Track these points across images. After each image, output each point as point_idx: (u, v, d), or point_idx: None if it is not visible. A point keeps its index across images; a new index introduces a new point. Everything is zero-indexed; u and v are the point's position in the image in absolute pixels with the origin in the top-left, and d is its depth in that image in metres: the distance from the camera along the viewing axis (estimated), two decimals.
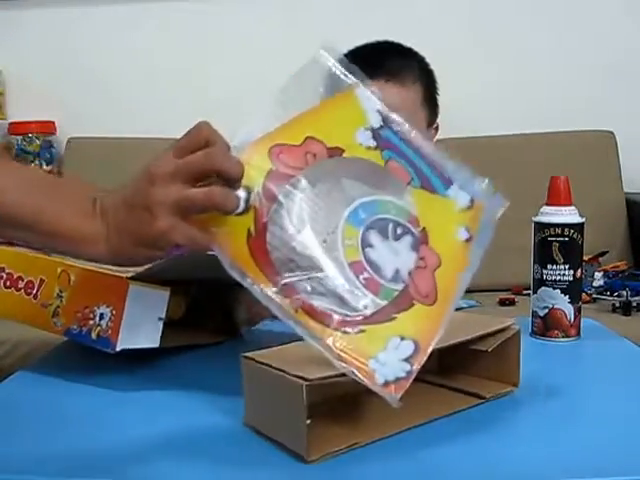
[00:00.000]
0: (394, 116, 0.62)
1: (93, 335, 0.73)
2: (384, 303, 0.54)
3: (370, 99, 0.61)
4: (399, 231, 0.58)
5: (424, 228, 0.58)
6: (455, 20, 2.44)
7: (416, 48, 2.48)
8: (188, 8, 2.44)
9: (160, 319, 0.73)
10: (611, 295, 1.92)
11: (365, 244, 0.56)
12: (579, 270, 0.88)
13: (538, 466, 0.54)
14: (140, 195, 0.54)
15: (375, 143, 0.60)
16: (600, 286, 1.96)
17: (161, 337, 0.74)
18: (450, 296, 0.56)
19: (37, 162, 2.34)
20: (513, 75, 2.41)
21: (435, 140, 1.18)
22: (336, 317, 0.53)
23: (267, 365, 0.58)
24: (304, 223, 0.55)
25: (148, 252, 0.56)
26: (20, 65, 2.47)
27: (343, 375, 0.54)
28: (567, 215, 0.88)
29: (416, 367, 0.52)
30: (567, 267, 0.88)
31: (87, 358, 0.82)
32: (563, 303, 0.88)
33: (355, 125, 0.60)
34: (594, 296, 1.94)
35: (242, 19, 2.44)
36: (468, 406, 0.64)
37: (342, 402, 0.61)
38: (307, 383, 0.53)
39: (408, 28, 2.44)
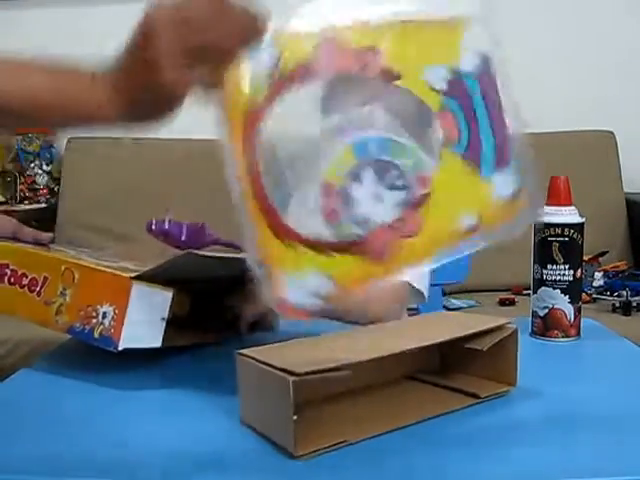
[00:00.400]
0: (496, 68, 0.54)
1: (96, 334, 0.73)
2: (330, 238, 0.49)
3: (479, 39, 0.53)
4: (399, 182, 0.51)
5: (428, 193, 0.51)
6: None
7: None
8: None
9: (163, 319, 0.73)
10: (611, 295, 1.92)
11: (353, 176, 0.50)
12: (579, 270, 0.88)
13: (536, 466, 0.54)
14: (144, 48, 0.51)
15: (444, 87, 0.52)
16: (600, 286, 1.97)
17: (164, 337, 0.74)
18: (402, 267, 0.50)
19: (37, 162, 2.34)
20: (513, 75, 2.40)
21: None
22: (286, 228, 0.48)
23: (258, 361, 0.59)
24: (300, 128, 0.51)
25: (155, 106, 0.52)
26: None
27: (332, 370, 0.54)
28: (567, 215, 0.88)
29: (323, 304, 0.48)
30: (567, 267, 0.88)
31: (88, 358, 0.82)
32: (563, 303, 0.88)
33: (438, 60, 0.53)
34: (594, 296, 1.94)
35: None
36: (463, 406, 0.64)
37: (334, 400, 0.61)
38: (294, 378, 0.53)
39: None
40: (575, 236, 0.88)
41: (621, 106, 2.40)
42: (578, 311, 0.89)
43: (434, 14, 0.53)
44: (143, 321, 0.73)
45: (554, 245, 0.88)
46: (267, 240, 0.48)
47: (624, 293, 1.88)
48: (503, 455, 0.56)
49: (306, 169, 0.50)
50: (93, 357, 0.78)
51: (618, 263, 2.10)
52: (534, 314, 0.90)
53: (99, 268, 0.77)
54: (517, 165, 0.53)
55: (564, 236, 0.87)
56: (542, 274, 0.89)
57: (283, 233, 0.48)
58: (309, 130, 0.52)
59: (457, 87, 0.52)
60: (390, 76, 0.51)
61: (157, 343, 0.73)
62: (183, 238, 0.92)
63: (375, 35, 0.51)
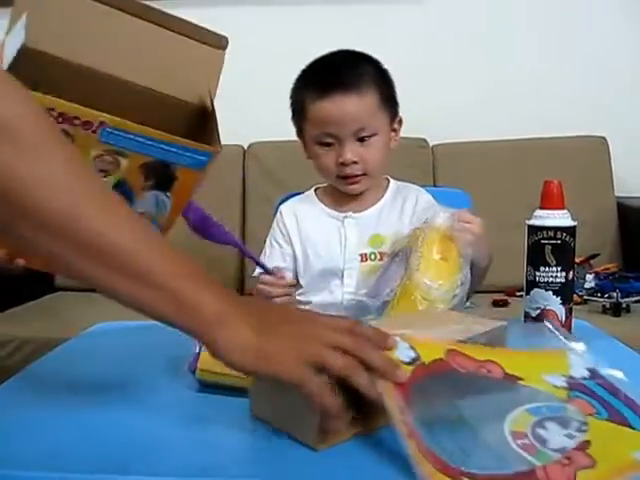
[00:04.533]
0: (608, 373, 0.63)
1: None
2: (537, 463, 0.52)
3: (582, 359, 0.65)
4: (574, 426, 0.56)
5: (588, 441, 0.55)
6: (453, 26, 2.46)
7: (417, 53, 2.50)
8: (188, 9, 2.45)
9: None
10: (602, 296, 1.94)
11: (537, 426, 0.56)
12: (571, 272, 0.89)
13: None
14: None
15: (566, 385, 0.61)
16: (591, 288, 1.99)
17: None
18: None
19: None
20: (508, 81, 2.43)
21: (400, 133, 1.22)
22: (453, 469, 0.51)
23: None
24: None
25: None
26: None
27: None
28: (560, 218, 0.89)
29: None
30: (559, 269, 0.89)
31: (92, 355, 0.83)
32: (555, 304, 0.89)
33: (551, 370, 0.63)
34: (585, 297, 1.96)
35: (243, 20, 2.46)
36: None
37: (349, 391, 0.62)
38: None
39: (406, 32, 2.46)
40: (567, 239, 0.89)
41: (614, 113, 2.43)
42: (569, 312, 0.90)
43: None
44: None
45: (547, 248, 0.89)
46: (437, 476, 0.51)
47: (614, 294, 1.90)
48: None
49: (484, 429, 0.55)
50: (98, 354, 0.79)
51: (609, 265, 2.13)
52: (526, 315, 0.91)
53: None
54: None
55: (556, 239, 0.88)
56: (535, 276, 0.90)
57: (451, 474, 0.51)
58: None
59: (577, 385, 0.61)
60: (514, 378, 0.61)
61: None
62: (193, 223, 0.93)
63: (490, 353, 0.63)
